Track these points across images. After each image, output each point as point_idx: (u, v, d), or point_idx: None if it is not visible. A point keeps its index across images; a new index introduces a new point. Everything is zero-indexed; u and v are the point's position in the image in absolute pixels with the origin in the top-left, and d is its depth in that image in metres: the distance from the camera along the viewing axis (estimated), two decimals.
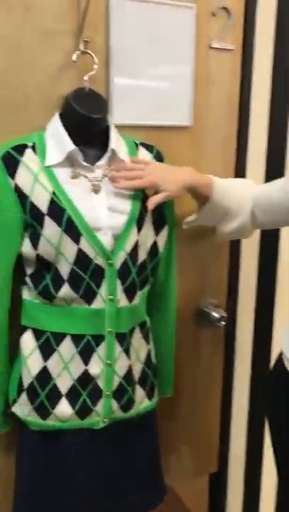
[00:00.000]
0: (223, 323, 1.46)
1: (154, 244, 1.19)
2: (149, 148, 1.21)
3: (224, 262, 1.49)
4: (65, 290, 1.08)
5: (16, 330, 1.15)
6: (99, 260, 1.08)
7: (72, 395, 1.12)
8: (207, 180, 1.18)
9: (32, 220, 1.07)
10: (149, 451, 1.27)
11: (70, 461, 1.16)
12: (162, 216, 1.19)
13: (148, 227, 1.16)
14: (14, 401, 1.16)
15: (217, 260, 1.48)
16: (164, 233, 1.21)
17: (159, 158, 1.21)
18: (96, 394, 1.13)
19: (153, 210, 1.16)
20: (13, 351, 1.17)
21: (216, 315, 1.46)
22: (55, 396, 1.12)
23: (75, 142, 1.09)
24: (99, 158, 1.12)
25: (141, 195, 1.13)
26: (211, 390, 1.56)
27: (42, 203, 1.05)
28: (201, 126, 1.36)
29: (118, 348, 1.13)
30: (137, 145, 1.20)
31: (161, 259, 1.23)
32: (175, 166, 1.30)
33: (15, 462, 1.20)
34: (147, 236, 1.15)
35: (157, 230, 1.19)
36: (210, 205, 1.19)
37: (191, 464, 1.57)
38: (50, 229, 1.05)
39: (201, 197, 1.20)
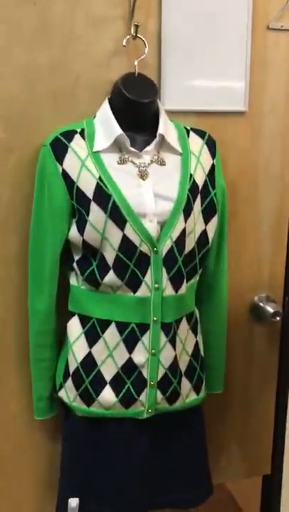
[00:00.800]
0: (278, 318, 1.39)
1: (204, 234, 1.15)
2: (200, 134, 1.18)
3: (281, 255, 1.42)
4: (110, 277, 1.07)
5: (65, 316, 1.16)
6: (144, 247, 1.06)
7: (117, 383, 1.11)
8: None
9: (78, 206, 1.07)
10: (195, 448, 1.23)
11: (114, 449, 1.15)
12: (212, 204, 1.15)
13: (197, 216, 1.12)
14: (61, 386, 1.17)
15: (273, 253, 1.41)
16: (214, 222, 1.17)
17: (210, 144, 1.17)
18: (140, 383, 1.11)
19: (202, 198, 1.12)
20: (63, 337, 1.18)
21: (270, 310, 1.39)
22: (99, 383, 1.11)
23: (124, 127, 1.08)
24: (148, 143, 1.10)
25: (189, 183, 1.10)
26: (264, 388, 1.49)
27: (88, 188, 1.05)
28: (257, 113, 1.30)
29: (163, 338, 1.11)
30: (188, 131, 1.17)
31: (211, 249, 1.19)
32: (229, 154, 1.26)
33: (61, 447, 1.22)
34: (196, 225, 1.12)
35: (207, 218, 1.15)
36: None
37: (243, 464, 1.52)
38: (96, 214, 1.04)
39: None
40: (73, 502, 1.16)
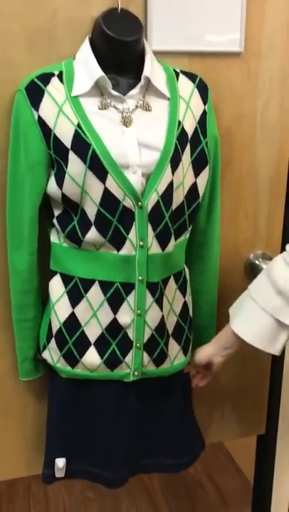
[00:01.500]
0: None
1: (194, 187, 1.07)
2: (191, 77, 1.08)
3: (279, 209, 1.34)
4: (92, 234, 1.01)
5: (48, 274, 1.11)
6: (128, 202, 0.98)
7: (101, 344, 1.07)
8: (230, 336, 1.06)
9: (56, 156, 0.99)
10: (183, 411, 1.20)
11: (99, 411, 1.12)
12: (203, 155, 1.06)
13: (186, 167, 1.04)
14: (44, 347, 1.13)
15: (271, 206, 1.33)
16: (205, 175, 1.08)
17: (202, 89, 1.08)
18: (126, 345, 1.07)
19: (192, 148, 1.04)
20: (46, 296, 1.13)
21: (265, 267, 1.32)
22: (83, 344, 1.07)
23: (106, 69, 0.99)
24: (132, 87, 1.01)
25: (177, 130, 1.01)
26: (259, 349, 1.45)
27: (66, 136, 0.97)
28: (254, 53, 1.19)
29: (149, 298, 1.05)
30: (177, 74, 1.07)
31: (202, 204, 1.12)
32: (223, 100, 1.16)
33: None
34: (185, 177, 1.04)
35: (197, 170, 1.07)
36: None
37: (238, 424, 1.49)
38: (75, 166, 0.97)
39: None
40: (60, 462, 1.15)
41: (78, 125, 0.97)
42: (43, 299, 1.14)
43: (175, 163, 1.00)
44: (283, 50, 1.21)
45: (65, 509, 1.82)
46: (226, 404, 1.46)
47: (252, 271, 1.36)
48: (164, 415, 1.16)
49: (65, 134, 0.97)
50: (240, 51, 1.17)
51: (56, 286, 1.08)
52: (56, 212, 1.05)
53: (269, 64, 1.21)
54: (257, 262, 1.35)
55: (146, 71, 1.00)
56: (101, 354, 1.07)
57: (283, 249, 1.39)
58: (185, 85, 1.06)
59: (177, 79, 1.06)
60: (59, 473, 1.15)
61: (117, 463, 1.14)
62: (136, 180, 0.98)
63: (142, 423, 1.15)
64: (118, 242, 1.01)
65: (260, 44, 1.18)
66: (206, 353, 1.11)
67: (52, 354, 1.10)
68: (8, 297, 1.15)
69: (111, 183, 0.97)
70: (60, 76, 1.00)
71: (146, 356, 1.08)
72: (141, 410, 1.14)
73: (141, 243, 1.01)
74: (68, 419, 1.13)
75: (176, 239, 1.07)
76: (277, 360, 1.49)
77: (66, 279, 1.06)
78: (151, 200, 1.00)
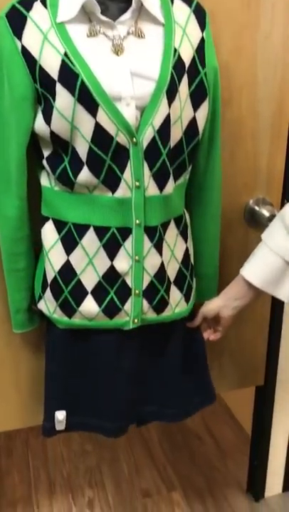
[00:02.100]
0: None
1: (193, 122, 0.99)
2: (187, 1, 0.99)
3: (281, 151, 1.27)
4: (85, 174, 0.94)
5: (39, 221, 1.05)
6: (121, 138, 0.91)
7: (99, 293, 1.02)
8: (241, 285, 1.04)
9: (43, 90, 0.91)
10: (187, 358, 1.16)
11: (98, 361, 1.09)
12: (202, 87, 0.98)
13: (184, 100, 0.96)
14: (40, 297, 1.08)
15: (272, 148, 1.26)
16: (205, 109, 1.01)
17: (199, 14, 0.99)
18: (124, 292, 1.02)
19: (190, 79, 0.96)
20: (39, 244, 1.08)
21: (266, 213, 1.27)
22: (79, 293, 1.02)
23: None
24: (123, 12, 0.92)
25: (173, 59, 0.93)
26: (260, 298, 1.41)
27: (52, 67, 0.89)
28: None
29: (148, 243, 1.00)
30: None
31: (201, 142, 1.04)
32: (221, 30, 1.07)
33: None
34: (183, 111, 0.96)
35: (196, 104, 0.99)
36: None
37: (236, 375, 1.47)
38: (62, 99, 0.89)
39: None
40: (60, 415, 1.12)
41: (65, 54, 0.88)
42: (35, 248, 1.08)
43: (171, 94, 0.93)
44: None
45: (64, 462, 1.82)
46: (223, 356, 1.43)
47: (252, 217, 1.30)
48: (165, 364, 1.13)
49: (51, 64, 0.89)
50: None
51: (49, 233, 1.02)
52: (46, 153, 0.98)
53: None
54: (257, 207, 1.29)
55: None
56: (99, 302, 1.02)
57: (284, 194, 1.34)
58: (181, 10, 0.97)
59: (172, 3, 0.97)
60: (59, 426, 1.12)
61: (117, 413, 1.11)
62: (129, 113, 0.91)
63: (143, 372, 1.12)
64: (112, 183, 0.95)
65: None
66: (214, 304, 1.08)
67: (48, 304, 1.06)
68: None
69: (102, 117, 0.89)
70: (43, 1, 0.91)
71: (145, 303, 1.04)
72: (141, 359, 1.10)
73: (137, 184, 0.95)
74: (67, 371, 1.10)
75: (175, 180, 1.01)
76: (275, 311, 1.45)
77: (59, 225, 1.00)
78: (147, 135, 0.92)
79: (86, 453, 1.87)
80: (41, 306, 1.08)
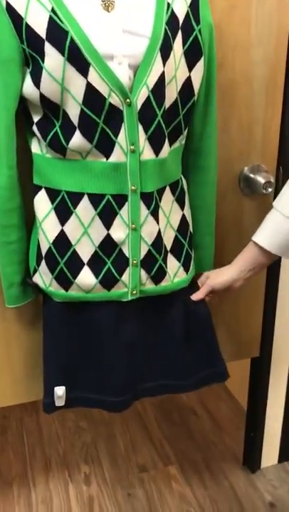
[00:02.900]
0: (270, 189, 1.24)
1: (188, 82, 0.96)
2: None
3: (276, 117, 1.24)
4: (77, 139, 0.90)
5: (31, 191, 1.02)
6: (114, 99, 0.87)
7: (95, 263, 0.99)
8: (254, 254, 1.03)
9: (30, 50, 0.87)
10: (196, 329, 1.13)
11: (97, 334, 1.06)
12: (197, 44, 0.95)
13: (178, 58, 0.93)
14: (35, 270, 1.05)
15: (266, 113, 1.23)
16: (200, 68, 0.97)
17: None
18: (122, 262, 1.00)
19: (184, 36, 0.92)
20: (31, 216, 1.05)
21: (261, 180, 1.24)
22: (75, 264, 0.99)
23: None
24: None
25: (166, 14, 0.89)
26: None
27: (39, 25, 0.84)
28: None
29: (144, 211, 0.97)
30: None
31: (197, 104, 1.01)
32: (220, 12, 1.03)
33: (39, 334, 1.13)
34: (177, 70, 0.93)
35: (191, 63, 0.95)
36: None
37: (232, 347, 1.46)
38: (51, 58, 0.85)
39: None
40: (59, 390, 1.11)
41: (53, 10, 0.84)
42: (28, 220, 1.05)
43: (165, 51, 0.89)
44: None
45: (59, 439, 1.81)
46: (218, 328, 1.41)
47: (246, 185, 1.27)
48: (168, 336, 1.11)
49: (38, 22, 0.84)
50: None
51: (42, 203, 0.98)
52: (35, 118, 0.94)
53: None
54: (252, 175, 1.26)
55: None
56: (96, 273, 0.99)
57: (279, 160, 1.31)
58: None
59: None
60: (59, 402, 1.10)
61: (118, 386, 1.09)
62: (122, 72, 0.87)
63: (143, 345, 1.09)
64: (106, 147, 0.91)
65: None
66: (227, 277, 1.06)
67: (43, 277, 1.03)
68: None
69: (94, 77, 0.85)
70: None
71: (143, 273, 1.01)
72: (142, 332, 1.08)
73: (132, 147, 0.91)
74: (65, 345, 1.07)
75: (170, 144, 0.98)
76: (271, 282, 1.44)
77: (52, 193, 0.97)
78: (141, 95, 0.89)
79: (81, 430, 1.86)
80: (36, 279, 1.05)
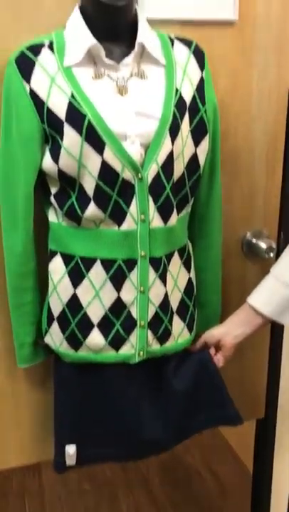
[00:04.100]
0: (272, 254, 1.30)
1: (194, 158, 1.03)
2: (186, 43, 1.04)
3: (276, 185, 1.32)
4: (92, 209, 0.97)
5: (46, 256, 1.07)
6: (127, 174, 0.94)
7: (105, 325, 1.03)
8: (246, 313, 1.07)
9: (51, 130, 0.94)
10: (203, 381, 1.14)
11: (107, 394, 1.08)
12: (203, 124, 1.03)
13: (185, 137, 1.00)
14: (46, 331, 1.09)
15: (267, 182, 1.30)
16: (206, 144, 1.05)
17: (198, 55, 1.04)
18: (130, 324, 1.04)
19: (191, 116, 1.01)
20: (44, 279, 1.09)
21: (263, 245, 1.30)
22: (86, 325, 1.03)
23: (99, 38, 0.95)
24: (126, 55, 0.97)
25: (175, 98, 0.97)
26: (258, 332, 1.42)
27: (60, 108, 0.93)
28: (248, 22, 1.15)
29: (152, 274, 1.02)
30: (172, 40, 1.03)
31: (202, 175, 1.08)
32: (217, 72, 1.12)
33: (53, 394, 1.14)
34: (184, 147, 1.00)
35: (197, 140, 1.03)
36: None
37: (237, 407, 1.46)
38: (70, 138, 0.92)
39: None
40: (71, 449, 1.12)
41: (72, 96, 0.92)
42: (41, 283, 1.09)
43: (174, 131, 0.97)
44: (279, 19, 1.18)
45: (61, 502, 1.78)
46: None
47: (249, 250, 1.33)
48: (173, 393, 1.12)
49: (58, 105, 0.93)
50: (235, 20, 1.13)
51: (57, 267, 1.03)
52: (53, 190, 1.00)
53: (264, 34, 1.17)
54: (254, 240, 1.32)
55: (140, 37, 0.96)
56: (105, 335, 1.03)
57: (280, 226, 1.37)
58: (181, 52, 1.02)
59: (172, 45, 1.02)
60: (70, 461, 1.11)
61: (128, 441, 1.10)
62: (135, 150, 0.94)
63: (151, 401, 1.11)
64: (118, 216, 0.97)
65: (255, 12, 1.15)
66: (217, 330, 1.09)
67: (54, 338, 1.06)
68: (1, 280, 1.10)
69: (109, 155, 0.93)
70: (50, 46, 0.96)
71: (150, 334, 1.05)
72: (148, 389, 1.10)
73: (142, 217, 0.98)
74: (75, 404, 1.09)
75: (178, 212, 1.04)
76: (274, 342, 1.46)
77: (67, 258, 1.02)
78: (152, 171, 0.96)
79: (84, 492, 1.83)
80: (48, 340, 1.09)
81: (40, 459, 1.27)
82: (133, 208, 0.97)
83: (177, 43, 1.02)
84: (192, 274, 1.13)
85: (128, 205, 0.97)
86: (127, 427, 1.09)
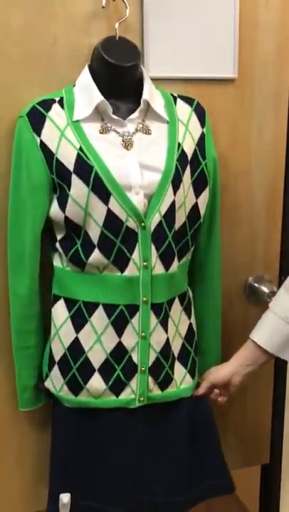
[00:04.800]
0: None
1: (195, 208, 1.08)
2: (188, 101, 1.10)
3: (276, 232, 1.35)
4: (96, 256, 1.00)
5: (50, 299, 1.10)
6: (130, 223, 0.98)
7: (106, 370, 1.05)
8: (252, 351, 1.09)
9: (59, 180, 0.99)
10: (201, 437, 1.14)
11: (105, 442, 1.08)
12: (203, 176, 1.08)
13: (187, 188, 1.05)
14: (46, 376, 1.10)
15: (268, 230, 1.34)
16: (206, 195, 1.09)
17: (199, 112, 1.10)
18: (130, 369, 1.05)
19: (192, 169, 1.05)
20: (47, 322, 1.11)
21: (265, 290, 1.32)
22: (87, 370, 1.05)
23: (106, 95, 1.01)
24: (132, 111, 1.03)
25: (177, 152, 1.02)
26: (260, 373, 1.43)
27: (68, 160, 0.98)
28: (247, 79, 1.22)
29: (154, 320, 1.04)
30: (175, 98, 1.09)
31: (202, 224, 1.12)
32: (218, 126, 1.18)
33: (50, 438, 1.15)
34: (186, 198, 1.05)
35: (198, 191, 1.07)
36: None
37: (241, 453, 1.45)
38: (77, 188, 0.97)
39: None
40: (65, 498, 1.10)
41: (80, 149, 0.97)
42: (44, 326, 1.12)
43: (176, 183, 1.01)
44: (275, 75, 1.25)
45: None
46: (227, 434, 1.42)
47: (252, 294, 1.36)
48: (173, 445, 1.11)
49: (67, 157, 0.98)
50: (234, 77, 1.20)
51: (60, 311, 1.06)
52: (59, 236, 1.04)
53: (262, 90, 1.24)
54: (256, 284, 1.35)
55: (146, 95, 1.02)
56: (105, 379, 1.04)
57: (281, 271, 1.40)
58: (183, 109, 1.08)
59: (175, 103, 1.08)
60: (63, 510, 1.09)
61: (123, 496, 1.09)
62: (138, 201, 0.99)
63: (150, 452, 1.10)
64: (122, 263, 1.01)
65: (253, 70, 1.22)
66: (225, 372, 1.10)
67: (54, 382, 1.08)
68: (4, 323, 1.13)
69: (114, 205, 0.97)
70: (60, 102, 1.02)
71: (151, 380, 1.06)
72: (148, 439, 1.09)
73: (144, 263, 1.01)
74: (73, 451, 1.09)
75: (179, 259, 1.07)
76: (278, 384, 1.46)
77: (70, 303, 1.05)
78: (154, 220, 1.00)
79: None
80: (48, 384, 1.10)
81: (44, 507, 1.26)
82: (136, 255, 1.00)
83: (180, 101, 1.08)
84: (192, 320, 1.15)
85: (131, 252, 1.00)
86: (122, 481, 1.08)
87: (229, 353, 1.32)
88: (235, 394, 1.35)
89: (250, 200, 1.30)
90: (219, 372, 1.12)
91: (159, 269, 1.03)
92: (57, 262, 1.07)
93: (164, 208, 1.00)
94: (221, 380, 1.11)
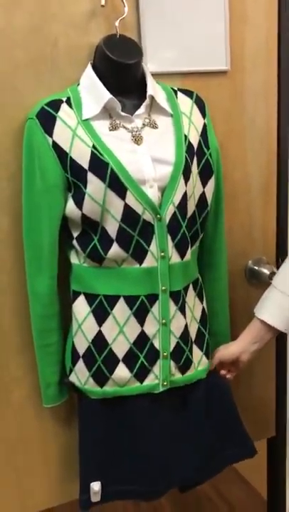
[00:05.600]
0: None
1: (203, 196, 1.12)
2: (188, 94, 1.14)
3: (272, 216, 1.41)
4: (115, 250, 1.03)
5: (68, 296, 1.12)
6: (147, 215, 1.02)
7: (130, 358, 1.08)
8: (258, 329, 1.13)
9: (74, 178, 1.01)
10: (221, 412, 1.20)
11: (132, 429, 1.12)
12: (208, 165, 1.12)
13: (195, 178, 1.09)
14: (70, 370, 1.12)
15: (265, 214, 1.40)
16: (212, 184, 1.14)
17: (200, 103, 1.14)
18: (153, 355, 1.09)
19: (198, 160, 1.09)
20: (67, 319, 1.14)
21: (265, 271, 1.39)
22: (112, 361, 1.08)
23: (112, 92, 1.03)
24: (137, 107, 1.06)
25: (185, 144, 1.06)
26: (264, 351, 1.49)
27: (83, 158, 1.00)
28: (239, 70, 1.27)
29: (173, 307, 1.08)
30: (175, 92, 1.12)
31: (209, 212, 1.17)
32: (214, 117, 1.22)
33: (78, 431, 1.17)
34: (195, 187, 1.09)
35: (204, 180, 1.12)
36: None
37: (248, 427, 1.51)
38: (94, 185, 0.99)
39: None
40: (96, 486, 1.13)
41: (94, 146, 1.00)
42: (64, 323, 1.14)
43: (187, 175, 1.05)
44: (265, 67, 1.30)
45: None
46: None
47: (253, 276, 1.42)
48: (196, 423, 1.17)
49: (81, 155, 1.00)
50: (227, 69, 1.24)
51: (81, 307, 1.08)
52: (75, 234, 1.07)
53: (253, 80, 1.29)
54: (256, 267, 1.41)
55: (150, 90, 1.05)
56: (130, 368, 1.08)
57: (278, 254, 1.46)
58: (184, 101, 1.12)
59: (176, 96, 1.12)
60: (95, 498, 1.13)
61: (152, 476, 1.13)
62: (153, 193, 1.02)
63: (174, 432, 1.15)
64: (140, 255, 1.04)
65: (244, 62, 1.27)
66: (234, 349, 1.15)
67: (79, 376, 1.10)
68: (25, 322, 1.15)
69: (130, 199, 1.00)
70: (68, 102, 1.03)
71: (173, 364, 1.10)
72: (171, 420, 1.14)
73: (162, 254, 1.05)
74: (101, 440, 1.12)
75: (191, 247, 1.12)
76: (280, 359, 1.53)
77: (90, 298, 1.07)
78: (169, 211, 1.04)
79: None
80: (72, 378, 1.12)
81: (70, 498, 1.28)
82: (153, 246, 1.04)
83: (180, 94, 1.12)
84: (204, 304, 1.20)
85: (148, 244, 1.04)
86: (150, 463, 1.12)
87: (234, 333, 1.38)
88: (240, 373, 1.42)
89: (247, 186, 1.35)
90: (228, 350, 1.16)
91: (175, 258, 1.07)
92: (74, 259, 1.10)
93: (177, 199, 1.04)
94: (229, 357, 1.16)
